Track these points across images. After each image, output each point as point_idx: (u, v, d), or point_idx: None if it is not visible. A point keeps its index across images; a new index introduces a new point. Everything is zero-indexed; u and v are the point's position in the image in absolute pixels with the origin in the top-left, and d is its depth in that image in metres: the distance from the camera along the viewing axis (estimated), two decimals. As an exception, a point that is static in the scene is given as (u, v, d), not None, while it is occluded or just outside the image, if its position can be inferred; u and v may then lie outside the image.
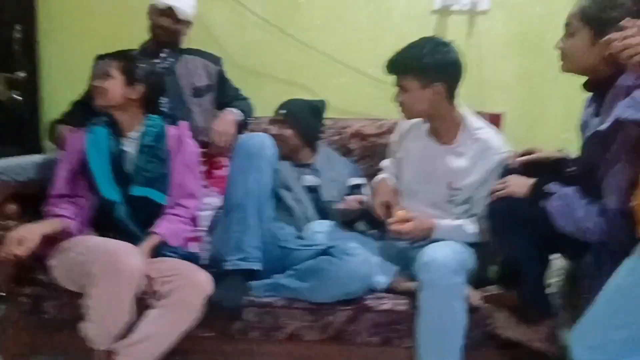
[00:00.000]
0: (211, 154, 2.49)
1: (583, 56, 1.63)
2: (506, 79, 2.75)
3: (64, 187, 2.09)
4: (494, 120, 2.49)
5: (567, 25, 1.67)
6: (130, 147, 2.15)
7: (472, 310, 1.92)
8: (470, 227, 2.05)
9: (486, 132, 2.11)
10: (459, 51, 2.07)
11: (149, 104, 2.19)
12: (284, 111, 2.43)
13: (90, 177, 2.08)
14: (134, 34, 2.68)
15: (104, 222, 2.12)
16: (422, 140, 2.19)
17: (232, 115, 2.51)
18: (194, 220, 2.24)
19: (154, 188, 2.11)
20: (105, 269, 1.78)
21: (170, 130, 2.22)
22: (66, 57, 2.86)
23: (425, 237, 2.05)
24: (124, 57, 2.17)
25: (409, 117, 2.14)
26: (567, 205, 1.66)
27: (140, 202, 2.09)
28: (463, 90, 2.67)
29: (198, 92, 2.54)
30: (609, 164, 1.56)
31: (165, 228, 2.07)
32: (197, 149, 2.29)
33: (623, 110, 1.48)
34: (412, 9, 2.75)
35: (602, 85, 1.63)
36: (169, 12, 2.48)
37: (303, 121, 2.43)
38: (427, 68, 2.00)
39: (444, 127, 2.12)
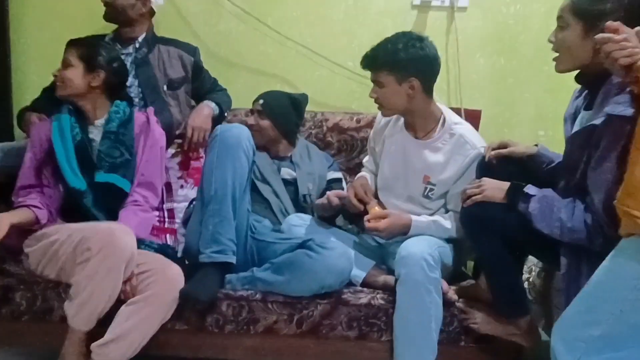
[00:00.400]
0: (187, 147, 2.45)
1: (576, 49, 1.62)
2: (483, 77, 2.77)
3: (31, 177, 2.05)
4: (474, 116, 2.51)
5: (559, 18, 1.66)
6: (96, 134, 2.11)
7: (449, 304, 1.94)
8: (447, 222, 2.06)
9: (463, 127, 2.12)
10: (435, 47, 2.07)
11: (113, 91, 2.15)
12: (262, 101, 2.41)
13: (56, 166, 2.04)
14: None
15: (71, 211, 2.08)
16: (399, 134, 2.19)
17: (208, 109, 2.47)
18: (154, 208, 2.21)
19: (117, 174, 2.08)
20: (103, 244, 1.77)
21: (138, 116, 2.19)
22: (38, 42, 2.78)
23: (401, 233, 2.05)
24: (83, 44, 2.13)
25: (387, 113, 2.14)
26: (548, 207, 1.65)
27: (105, 189, 2.06)
28: (441, 86, 2.71)
29: (173, 85, 2.49)
30: (597, 160, 1.55)
31: (131, 221, 2.02)
32: (162, 137, 2.25)
33: (614, 106, 1.49)
34: (390, 4, 2.74)
35: (594, 79, 1.63)
36: None
37: (281, 113, 2.40)
38: (402, 63, 2.00)
39: (420, 122, 2.13)
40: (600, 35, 1.37)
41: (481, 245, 1.85)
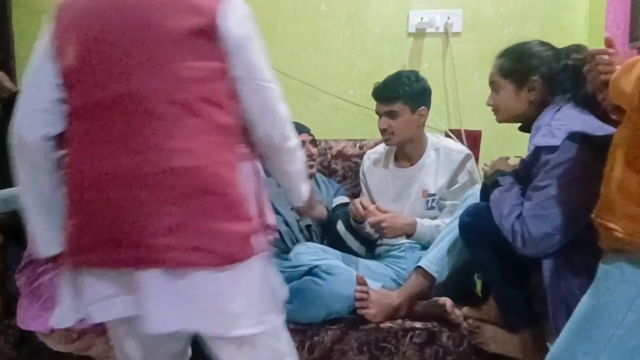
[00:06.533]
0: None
1: (512, 106, 1.82)
2: (481, 98, 2.78)
3: None
4: (474, 137, 2.56)
5: (492, 83, 1.87)
6: None
7: (456, 325, 1.96)
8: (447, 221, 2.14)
9: (443, 140, 2.36)
10: None
11: None
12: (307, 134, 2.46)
13: None
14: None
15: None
16: (389, 166, 2.36)
17: None
18: None
19: None
20: None
21: None
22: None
23: (404, 233, 2.14)
24: None
25: (394, 142, 2.28)
26: (501, 199, 1.73)
27: None
28: (441, 109, 2.76)
29: None
30: (532, 188, 1.66)
31: None
32: None
33: (539, 139, 1.64)
34: (386, 32, 2.80)
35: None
36: None
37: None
38: (416, 94, 2.21)
39: (415, 149, 2.31)
40: (593, 50, 1.42)
41: (478, 254, 1.89)
